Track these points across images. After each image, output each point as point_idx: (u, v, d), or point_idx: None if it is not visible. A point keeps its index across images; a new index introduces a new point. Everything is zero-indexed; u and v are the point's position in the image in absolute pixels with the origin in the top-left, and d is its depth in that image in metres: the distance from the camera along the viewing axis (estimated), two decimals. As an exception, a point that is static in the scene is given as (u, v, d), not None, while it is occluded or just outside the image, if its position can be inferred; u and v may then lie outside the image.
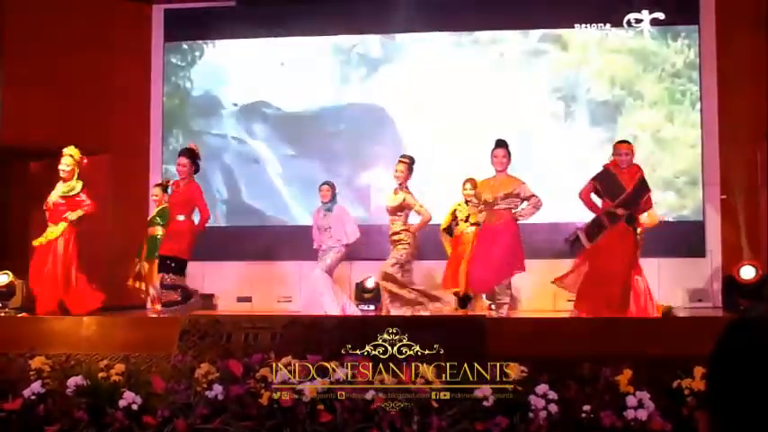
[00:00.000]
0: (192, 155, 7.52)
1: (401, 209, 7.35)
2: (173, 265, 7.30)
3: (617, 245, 6.58)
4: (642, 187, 6.69)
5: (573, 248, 6.84)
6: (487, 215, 7.09)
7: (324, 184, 8.09)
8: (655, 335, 5.88)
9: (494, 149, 7.15)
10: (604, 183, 6.71)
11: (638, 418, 5.08)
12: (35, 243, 7.43)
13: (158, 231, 8.43)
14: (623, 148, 6.76)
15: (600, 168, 6.90)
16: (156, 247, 8.11)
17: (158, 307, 7.76)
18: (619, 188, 6.64)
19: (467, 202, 8.03)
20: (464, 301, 7.94)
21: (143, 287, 8.58)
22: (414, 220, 7.47)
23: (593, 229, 6.66)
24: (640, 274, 6.77)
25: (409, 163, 7.43)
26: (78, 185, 7.42)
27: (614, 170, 6.73)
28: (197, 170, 7.58)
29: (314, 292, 7.77)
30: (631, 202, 6.67)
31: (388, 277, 7.27)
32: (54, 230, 7.35)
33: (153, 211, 8.90)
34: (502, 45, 10.11)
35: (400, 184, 7.41)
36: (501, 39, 10.10)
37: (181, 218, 7.44)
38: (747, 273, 8.09)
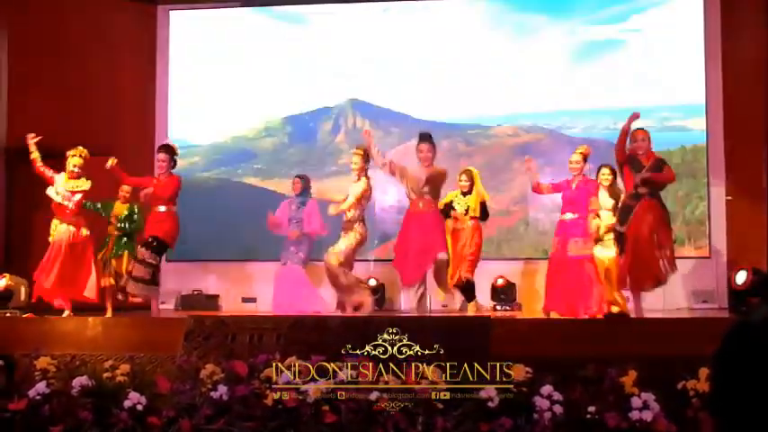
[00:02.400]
0: (169, 151, 7.78)
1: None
2: (155, 244, 7.53)
3: (646, 219, 6.71)
4: (659, 163, 6.85)
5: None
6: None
7: (296, 176, 8.36)
8: (660, 336, 5.87)
9: (419, 144, 7.28)
10: (629, 165, 6.84)
11: (643, 419, 5.08)
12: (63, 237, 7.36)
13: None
14: (639, 134, 6.87)
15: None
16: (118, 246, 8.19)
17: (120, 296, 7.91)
18: (639, 167, 6.78)
19: (464, 194, 8.00)
20: (471, 292, 7.88)
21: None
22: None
23: (622, 215, 6.84)
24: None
25: (364, 154, 7.61)
26: (87, 183, 7.50)
27: (634, 154, 6.87)
28: (174, 165, 7.80)
29: (296, 288, 8.01)
30: (651, 179, 6.78)
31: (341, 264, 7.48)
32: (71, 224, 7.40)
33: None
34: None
35: (359, 174, 7.57)
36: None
37: (162, 209, 7.61)
38: (740, 278, 8.06)
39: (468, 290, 7.86)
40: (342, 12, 10.30)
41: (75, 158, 7.44)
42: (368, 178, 7.51)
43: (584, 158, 7.22)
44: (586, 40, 9.88)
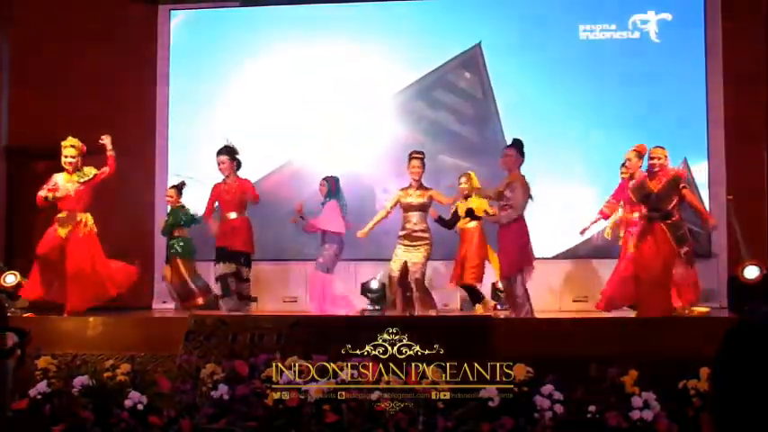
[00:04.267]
0: (230, 152, 7.77)
1: (426, 206, 7.69)
2: (243, 260, 7.77)
3: (653, 245, 6.80)
4: (670, 187, 6.94)
5: None
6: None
7: (323, 179, 8.21)
8: (661, 336, 5.87)
9: (507, 148, 7.32)
10: (636, 193, 7.02)
11: (644, 419, 5.09)
12: (62, 234, 7.28)
13: (186, 232, 8.29)
14: (654, 152, 7.07)
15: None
16: (191, 249, 8.12)
17: (201, 301, 7.93)
18: (647, 193, 6.91)
19: (465, 197, 7.95)
20: (475, 294, 7.80)
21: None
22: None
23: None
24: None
25: (423, 158, 7.75)
26: (92, 170, 7.43)
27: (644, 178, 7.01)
28: (239, 166, 7.83)
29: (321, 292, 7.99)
30: (660, 203, 6.88)
31: (419, 284, 7.49)
32: (82, 217, 7.32)
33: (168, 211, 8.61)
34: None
35: (417, 180, 7.67)
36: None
37: (233, 215, 7.68)
38: (751, 272, 8.03)
39: (473, 293, 7.84)
40: (344, 12, 10.28)
41: (67, 149, 7.32)
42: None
43: (640, 156, 7.18)
44: (586, 40, 9.87)
